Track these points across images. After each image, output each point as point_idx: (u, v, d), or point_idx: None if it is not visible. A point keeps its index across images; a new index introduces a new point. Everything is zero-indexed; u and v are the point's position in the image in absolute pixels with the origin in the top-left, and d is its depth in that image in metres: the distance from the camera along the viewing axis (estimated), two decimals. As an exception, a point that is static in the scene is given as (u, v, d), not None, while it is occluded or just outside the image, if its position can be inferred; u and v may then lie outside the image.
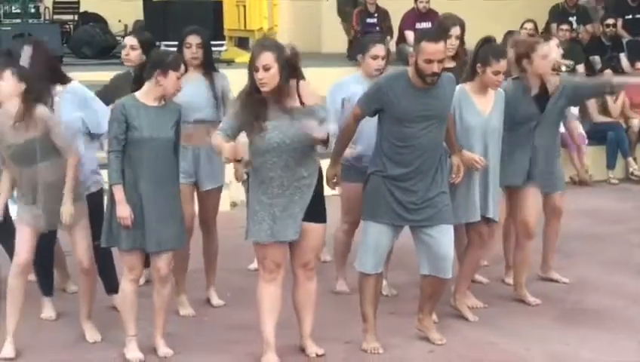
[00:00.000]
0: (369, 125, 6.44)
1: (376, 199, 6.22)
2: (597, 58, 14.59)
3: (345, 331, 6.59)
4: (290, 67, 5.83)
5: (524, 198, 7.26)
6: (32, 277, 7.43)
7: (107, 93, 7.23)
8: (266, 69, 5.75)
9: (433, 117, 6.10)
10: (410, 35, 14.01)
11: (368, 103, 6.23)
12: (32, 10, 14.15)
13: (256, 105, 5.84)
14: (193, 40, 7.13)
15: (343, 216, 7.57)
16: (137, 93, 6.14)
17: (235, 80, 13.58)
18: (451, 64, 7.30)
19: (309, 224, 5.95)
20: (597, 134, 13.02)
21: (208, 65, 7.23)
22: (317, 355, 6.21)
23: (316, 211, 5.97)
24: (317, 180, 5.97)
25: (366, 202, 6.32)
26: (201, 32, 7.20)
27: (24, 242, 6.27)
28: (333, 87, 7.45)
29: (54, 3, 16.30)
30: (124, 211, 5.97)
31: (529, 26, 13.06)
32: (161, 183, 6.07)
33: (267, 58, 5.75)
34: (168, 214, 6.10)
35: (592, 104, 13.25)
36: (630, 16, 15.47)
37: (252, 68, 5.81)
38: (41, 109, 6.14)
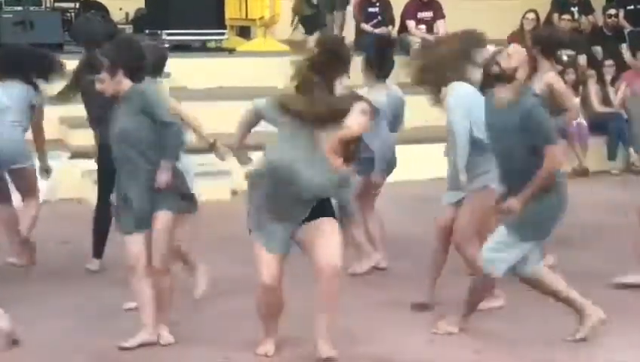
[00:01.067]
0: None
1: None
2: (598, 48, 14.59)
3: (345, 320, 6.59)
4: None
5: None
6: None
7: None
8: None
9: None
10: (411, 24, 14.00)
11: None
12: (34, -2, 14.10)
13: None
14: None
15: None
16: None
17: (235, 68, 13.59)
18: None
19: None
20: (598, 125, 13.01)
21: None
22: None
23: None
24: None
25: None
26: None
27: None
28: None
29: (55, -10, 16.25)
30: None
31: (531, 16, 13.07)
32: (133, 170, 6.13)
33: None
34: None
35: (593, 95, 13.25)
36: (632, 7, 15.45)
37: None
38: None
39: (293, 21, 14.77)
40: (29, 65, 7.68)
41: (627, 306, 7.14)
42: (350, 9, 14.67)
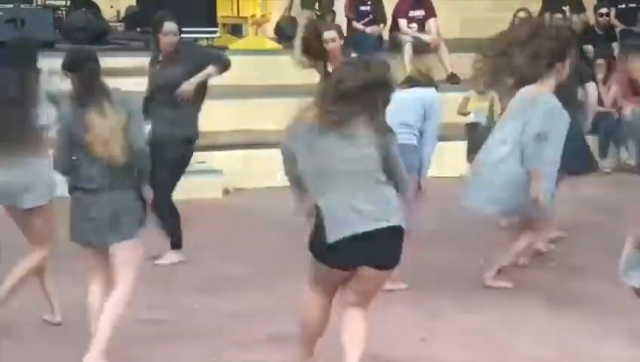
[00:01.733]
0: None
1: None
2: (590, 47, 14.61)
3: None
4: None
5: None
6: None
7: None
8: None
9: None
10: (403, 23, 14.02)
11: None
12: (25, -5, 14.08)
13: None
14: None
15: None
16: None
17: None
18: None
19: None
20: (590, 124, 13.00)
21: None
22: None
23: None
24: None
25: None
26: None
27: None
28: None
29: (47, -12, 16.20)
30: None
31: (522, 14, 13.02)
32: None
33: None
34: None
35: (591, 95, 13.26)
36: (623, 6, 15.49)
37: None
38: None
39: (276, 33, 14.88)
40: None
41: (627, 305, 7.15)
42: (338, 8, 14.66)
